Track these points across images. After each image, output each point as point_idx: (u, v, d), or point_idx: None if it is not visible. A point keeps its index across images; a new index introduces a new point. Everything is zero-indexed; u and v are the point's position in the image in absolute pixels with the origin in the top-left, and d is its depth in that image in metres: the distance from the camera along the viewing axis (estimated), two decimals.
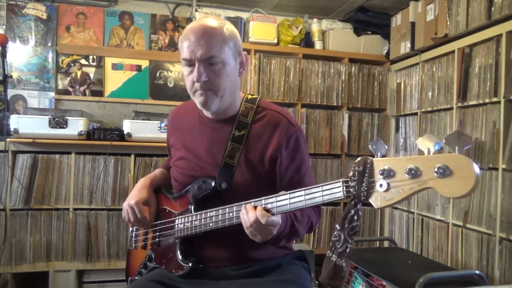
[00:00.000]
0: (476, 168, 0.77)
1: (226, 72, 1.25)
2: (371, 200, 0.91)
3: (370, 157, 0.94)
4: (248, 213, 1.11)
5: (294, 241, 1.47)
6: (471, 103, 2.50)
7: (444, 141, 0.80)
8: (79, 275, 2.84)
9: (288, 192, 1.09)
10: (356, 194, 0.94)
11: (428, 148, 0.81)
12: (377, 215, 3.37)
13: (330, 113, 3.36)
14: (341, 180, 0.98)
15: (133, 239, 1.52)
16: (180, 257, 1.31)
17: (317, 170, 3.29)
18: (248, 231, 1.13)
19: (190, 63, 1.24)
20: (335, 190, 0.99)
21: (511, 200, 2.18)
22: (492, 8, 2.33)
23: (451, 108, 2.66)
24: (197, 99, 1.28)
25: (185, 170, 1.38)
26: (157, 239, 1.41)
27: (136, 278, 1.44)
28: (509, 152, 2.20)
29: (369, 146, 0.95)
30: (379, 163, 0.90)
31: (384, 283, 2.34)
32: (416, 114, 3.05)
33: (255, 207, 1.12)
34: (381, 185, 0.88)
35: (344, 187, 0.98)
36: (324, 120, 3.34)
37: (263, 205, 1.12)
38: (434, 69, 2.88)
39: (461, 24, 2.55)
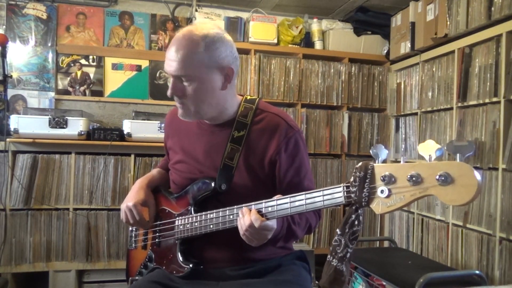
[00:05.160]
0: (478, 176, 0.77)
1: (200, 89, 1.25)
2: (372, 206, 0.91)
3: (371, 163, 0.94)
4: (244, 217, 1.12)
5: (294, 241, 1.47)
6: (471, 103, 2.50)
7: (445, 147, 0.80)
8: (79, 275, 2.84)
9: (289, 196, 1.09)
10: (357, 200, 0.94)
11: (430, 155, 0.81)
12: (377, 215, 3.35)
13: (330, 113, 3.35)
14: (342, 185, 0.99)
15: (133, 239, 1.52)
16: (180, 258, 1.32)
17: (317, 170, 3.29)
18: (245, 236, 1.14)
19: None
20: (336, 195, 0.99)
21: (511, 200, 2.19)
22: (492, 8, 2.33)
23: (451, 108, 2.66)
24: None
25: (184, 173, 1.38)
26: (157, 240, 1.41)
27: (137, 278, 1.45)
28: (509, 152, 2.20)
29: (370, 151, 0.94)
30: (381, 169, 0.91)
31: (384, 283, 2.35)
32: (416, 114, 3.05)
33: (250, 211, 1.13)
34: (382, 191, 0.88)
35: (345, 192, 0.98)
36: (324, 120, 3.33)
37: (263, 208, 1.12)
38: (434, 69, 2.88)
39: (461, 24, 2.54)
